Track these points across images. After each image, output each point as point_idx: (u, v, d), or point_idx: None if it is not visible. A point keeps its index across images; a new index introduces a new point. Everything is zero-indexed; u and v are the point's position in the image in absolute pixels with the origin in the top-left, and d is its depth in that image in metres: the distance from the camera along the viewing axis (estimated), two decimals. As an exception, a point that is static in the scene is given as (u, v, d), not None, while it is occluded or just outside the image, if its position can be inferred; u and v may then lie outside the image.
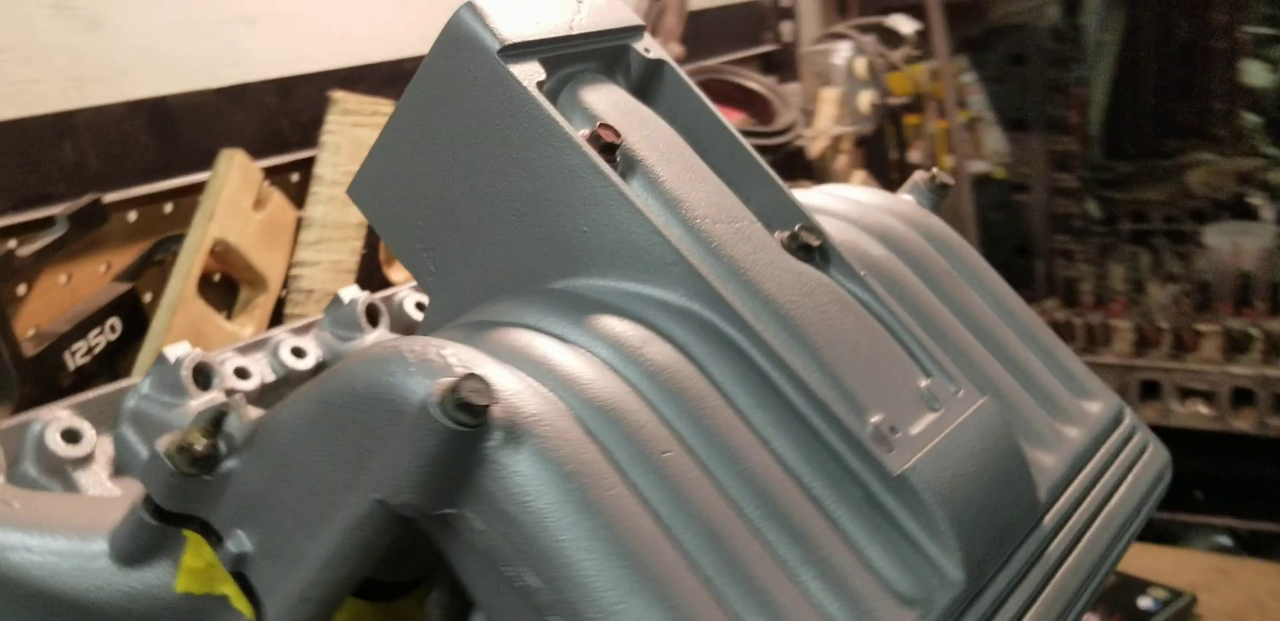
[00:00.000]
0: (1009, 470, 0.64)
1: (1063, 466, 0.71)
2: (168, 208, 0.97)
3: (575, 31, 0.67)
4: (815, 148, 1.49)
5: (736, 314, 0.60)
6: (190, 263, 0.92)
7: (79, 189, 0.90)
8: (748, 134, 1.28)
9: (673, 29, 1.32)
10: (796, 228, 0.67)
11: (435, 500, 0.51)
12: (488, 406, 0.49)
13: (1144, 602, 1.49)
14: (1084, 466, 0.72)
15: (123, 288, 0.93)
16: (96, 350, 0.91)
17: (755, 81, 1.34)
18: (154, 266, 0.95)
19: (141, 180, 0.95)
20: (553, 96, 0.66)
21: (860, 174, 1.60)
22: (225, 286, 1.01)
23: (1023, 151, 2.29)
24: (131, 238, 0.95)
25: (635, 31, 0.70)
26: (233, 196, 0.94)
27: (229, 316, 1.00)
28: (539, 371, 0.55)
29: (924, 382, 0.65)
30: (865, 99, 1.55)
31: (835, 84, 1.51)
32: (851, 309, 0.66)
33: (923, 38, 1.65)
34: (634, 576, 0.49)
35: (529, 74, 0.63)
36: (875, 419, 0.61)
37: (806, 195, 0.79)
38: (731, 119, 1.35)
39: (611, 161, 0.63)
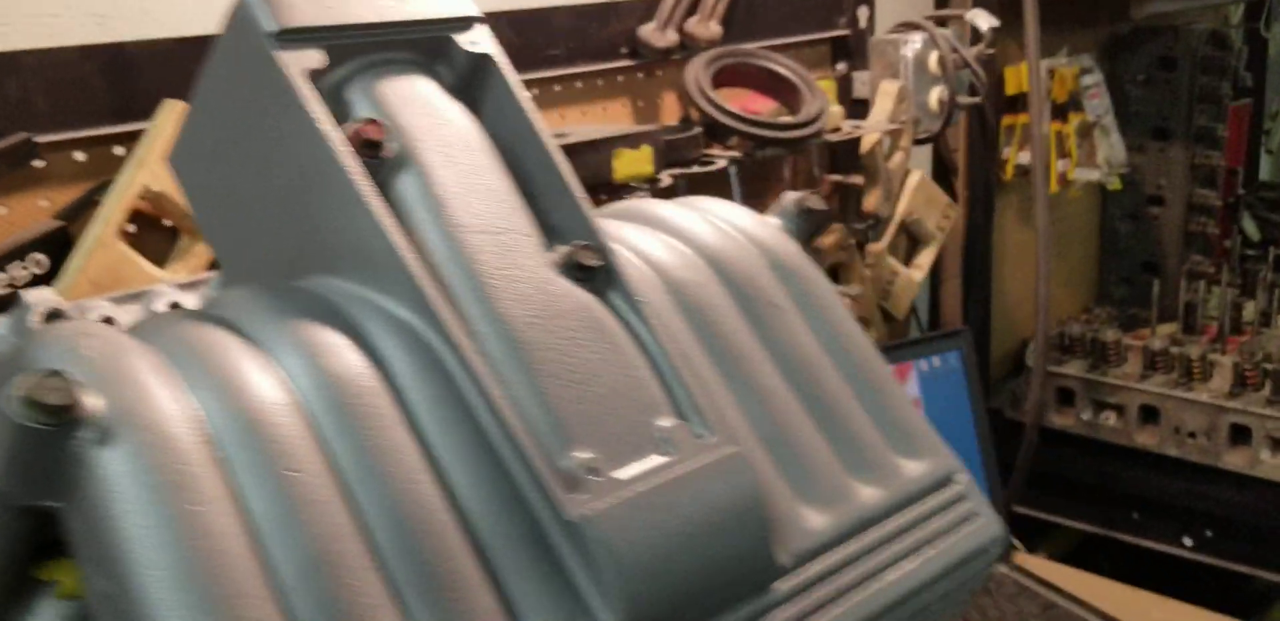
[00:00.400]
0: (727, 528, 0.60)
1: (836, 528, 0.66)
2: (118, 150, 0.99)
3: (382, 19, 0.65)
4: (866, 142, 1.42)
5: (447, 330, 0.58)
6: (113, 207, 0.94)
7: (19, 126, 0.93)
8: (762, 125, 1.23)
9: (711, 7, 1.28)
10: (574, 246, 0.64)
11: (30, 491, 0.51)
12: (66, 406, 0.48)
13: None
14: (868, 529, 0.67)
15: (53, 224, 0.96)
16: (19, 283, 0.94)
17: (785, 67, 1.28)
18: (94, 206, 0.97)
19: (91, 123, 0.97)
20: (339, 87, 0.64)
21: (918, 173, 1.52)
22: (176, 233, 1.04)
23: (1162, 163, 2.14)
24: (76, 177, 0.98)
25: (464, 22, 0.68)
26: (169, 146, 0.96)
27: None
28: (196, 372, 0.54)
29: (665, 424, 0.61)
30: (935, 95, 1.47)
31: (902, 77, 1.44)
32: (607, 337, 0.62)
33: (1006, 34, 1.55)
34: (198, 598, 0.48)
35: (300, 61, 0.61)
36: (581, 456, 0.58)
37: (656, 208, 0.75)
38: (761, 106, 1.30)
39: (373, 159, 0.61)
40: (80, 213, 0.98)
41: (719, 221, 0.75)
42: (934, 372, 1.48)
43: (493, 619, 0.54)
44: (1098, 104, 1.85)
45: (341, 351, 0.57)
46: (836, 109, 1.34)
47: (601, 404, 0.60)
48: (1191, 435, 1.87)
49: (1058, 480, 1.99)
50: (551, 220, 0.66)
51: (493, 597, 0.54)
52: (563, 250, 0.64)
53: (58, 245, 0.96)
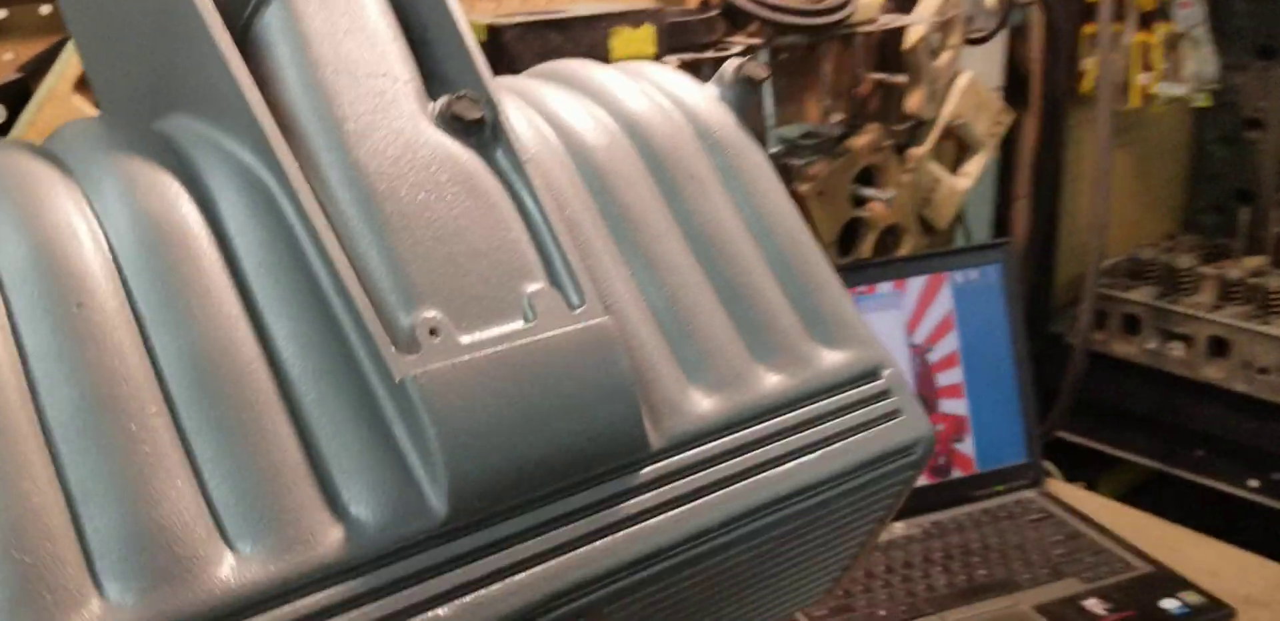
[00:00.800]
0: (585, 402, 0.55)
1: (727, 413, 0.61)
2: (87, 7, 0.96)
3: None
4: (909, 38, 1.34)
5: (285, 173, 0.54)
6: (68, 61, 0.92)
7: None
8: (781, 11, 1.15)
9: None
10: (453, 96, 0.59)
11: None
12: None
13: (1168, 603, 1.31)
14: (767, 418, 0.62)
15: (13, 76, 0.94)
16: (-24, 135, 0.92)
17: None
18: (60, 62, 0.95)
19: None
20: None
21: (968, 74, 1.42)
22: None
23: (1264, 84, 1.99)
24: (41, 31, 0.96)
25: None
26: None
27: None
28: (-3, 201, 0.51)
29: (532, 289, 0.57)
30: (992, -8, 1.38)
31: (953, -32, 1.34)
32: (479, 194, 0.58)
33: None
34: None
35: (158, -119, 0.57)
36: (425, 316, 0.54)
37: (583, 70, 0.70)
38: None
39: (234, -9, 0.57)
40: (44, 66, 0.96)
41: (649, 86, 0.69)
42: (970, 287, 1.41)
43: (297, 476, 0.50)
44: (1189, 14, 1.72)
45: (163, 189, 0.53)
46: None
47: (460, 264, 0.56)
48: (1263, 371, 1.77)
49: (1116, 411, 1.90)
50: (443, 71, 0.62)
51: (301, 455, 0.51)
52: (442, 100, 0.59)
53: (17, 97, 0.94)
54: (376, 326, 0.52)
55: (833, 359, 0.66)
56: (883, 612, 1.22)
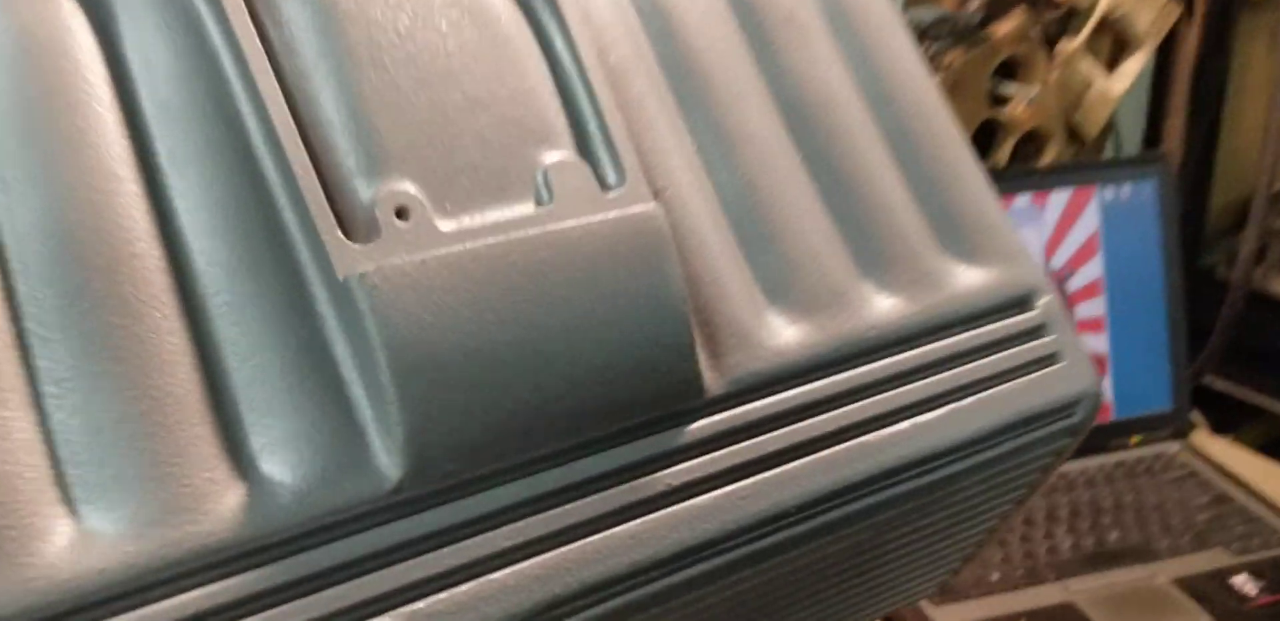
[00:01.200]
0: (610, 320, 0.38)
1: (821, 348, 0.44)
2: None
3: None
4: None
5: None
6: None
7: None
8: None
9: None
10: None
11: None
12: None
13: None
14: (875, 356, 0.45)
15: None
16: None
17: None
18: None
19: None
20: None
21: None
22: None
23: None
24: None
25: None
26: None
27: None
28: None
29: (553, 158, 0.40)
30: None
31: None
32: (488, 26, 0.41)
33: None
34: None
35: None
36: (395, 188, 0.37)
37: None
38: None
39: None
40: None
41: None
42: (1121, 206, 1.21)
43: (186, 412, 0.34)
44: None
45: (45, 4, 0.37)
46: None
47: (450, 117, 0.39)
48: None
49: (1271, 357, 1.69)
50: None
51: (196, 382, 0.35)
52: (449, -105, 0.42)
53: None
54: (320, 200, 0.36)
55: (970, 278, 0.48)
56: (996, 576, 1.06)
